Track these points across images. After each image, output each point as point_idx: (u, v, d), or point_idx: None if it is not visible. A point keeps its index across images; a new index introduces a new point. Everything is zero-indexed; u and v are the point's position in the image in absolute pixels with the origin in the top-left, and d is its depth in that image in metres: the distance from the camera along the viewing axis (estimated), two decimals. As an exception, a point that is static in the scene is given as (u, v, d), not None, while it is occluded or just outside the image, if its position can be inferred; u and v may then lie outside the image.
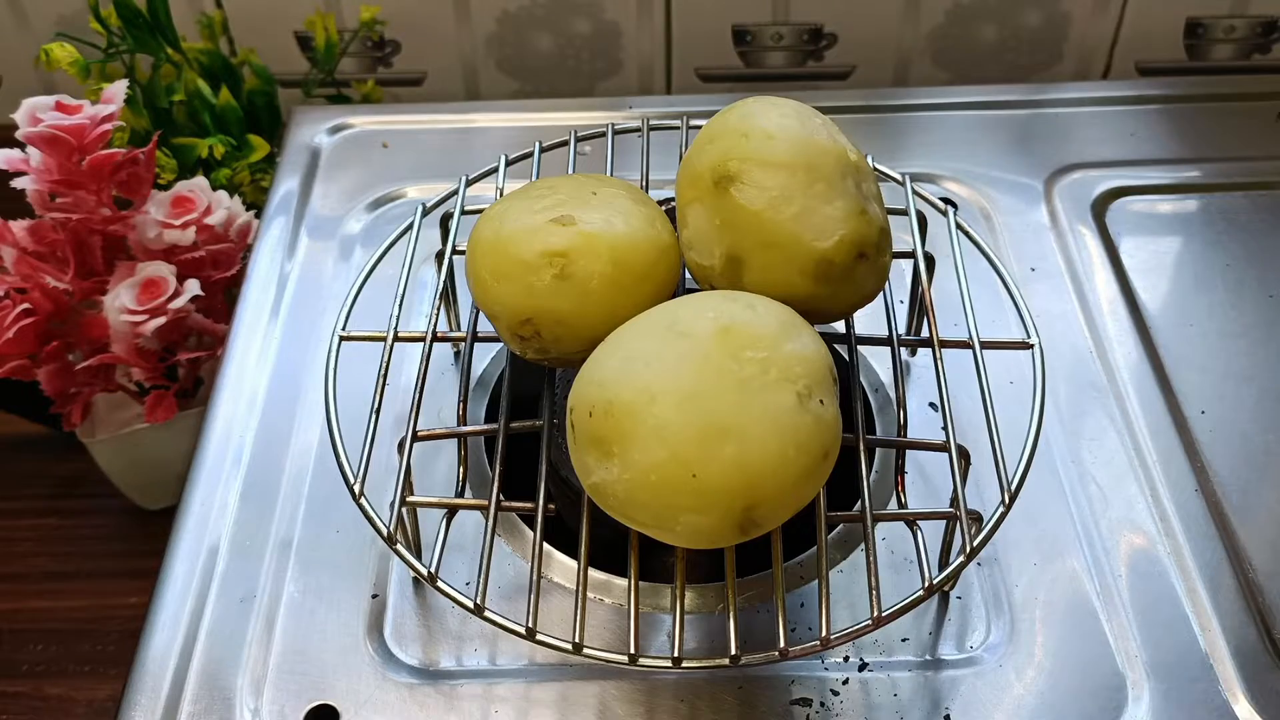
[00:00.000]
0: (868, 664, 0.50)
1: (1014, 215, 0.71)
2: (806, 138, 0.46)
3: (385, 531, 0.47)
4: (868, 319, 0.58)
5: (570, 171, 0.59)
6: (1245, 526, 0.55)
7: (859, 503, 0.47)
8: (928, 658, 0.51)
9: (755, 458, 0.40)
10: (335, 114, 0.79)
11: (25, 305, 0.71)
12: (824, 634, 0.43)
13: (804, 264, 0.45)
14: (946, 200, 0.68)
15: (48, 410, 0.76)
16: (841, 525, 0.55)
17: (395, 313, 0.52)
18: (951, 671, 0.50)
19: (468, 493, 0.53)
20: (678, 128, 0.61)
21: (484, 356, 0.63)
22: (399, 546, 0.47)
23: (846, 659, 0.51)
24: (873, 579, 0.44)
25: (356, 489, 0.47)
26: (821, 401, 0.42)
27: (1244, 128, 0.77)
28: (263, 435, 0.60)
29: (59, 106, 0.71)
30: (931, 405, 0.60)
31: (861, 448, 0.48)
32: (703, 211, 0.47)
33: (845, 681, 0.50)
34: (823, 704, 0.49)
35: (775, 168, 0.45)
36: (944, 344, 0.51)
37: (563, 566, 0.54)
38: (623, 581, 0.53)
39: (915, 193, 0.57)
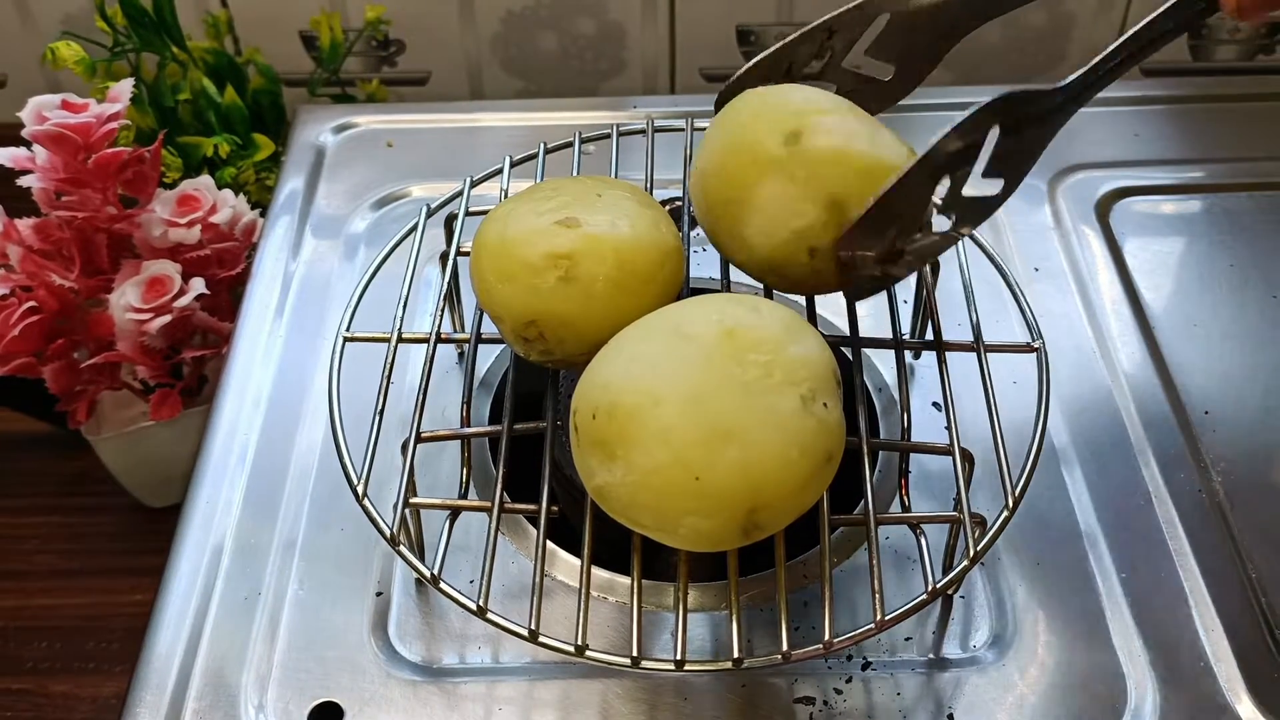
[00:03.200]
0: (871, 663, 0.51)
1: (1018, 215, 0.71)
2: (829, 95, 0.49)
3: (388, 533, 0.47)
4: (871, 319, 0.59)
5: (575, 172, 0.59)
6: (1249, 527, 0.55)
7: (862, 504, 0.47)
8: (931, 657, 0.51)
9: (758, 461, 0.40)
10: (340, 113, 0.79)
11: (31, 303, 0.71)
12: (827, 638, 0.43)
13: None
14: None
15: (53, 408, 0.76)
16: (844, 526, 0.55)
17: (399, 313, 0.53)
18: (955, 671, 0.50)
19: (471, 493, 0.53)
20: (682, 129, 0.61)
21: (488, 357, 0.63)
22: (402, 548, 0.47)
23: (850, 658, 0.51)
24: (876, 583, 0.44)
25: (360, 490, 0.47)
26: (825, 404, 0.42)
27: (1248, 129, 0.76)
28: (267, 434, 0.60)
29: (65, 105, 0.71)
30: (935, 405, 0.60)
31: (865, 451, 0.48)
32: (779, 180, 0.46)
33: (848, 680, 0.50)
34: (826, 703, 0.49)
35: (830, 112, 0.47)
36: (948, 347, 0.51)
37: (566, 564, 0.54)
38: (626, 580, 0.53)
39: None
